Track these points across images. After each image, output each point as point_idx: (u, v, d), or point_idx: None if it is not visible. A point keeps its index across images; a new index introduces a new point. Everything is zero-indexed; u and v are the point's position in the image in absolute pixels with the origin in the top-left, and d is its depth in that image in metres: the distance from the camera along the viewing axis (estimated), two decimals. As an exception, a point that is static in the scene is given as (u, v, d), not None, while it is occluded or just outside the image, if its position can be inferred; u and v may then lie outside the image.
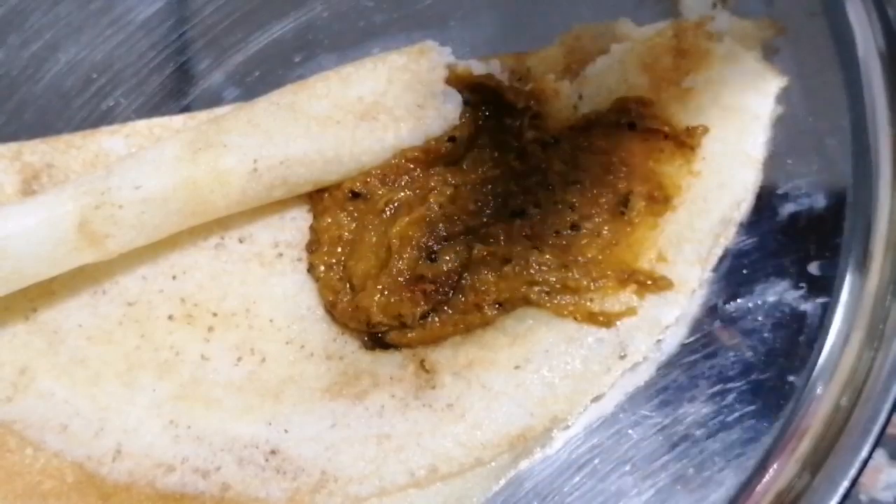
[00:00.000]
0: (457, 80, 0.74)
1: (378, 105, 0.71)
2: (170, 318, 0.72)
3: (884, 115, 0.76)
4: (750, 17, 0.79)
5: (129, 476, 0.68)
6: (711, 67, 0.76)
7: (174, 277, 0.73)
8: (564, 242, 0.72)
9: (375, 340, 0.71)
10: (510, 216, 0.72)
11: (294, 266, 0.73)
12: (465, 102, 0.73)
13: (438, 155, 0.72)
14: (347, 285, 0.70)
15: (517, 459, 0.69)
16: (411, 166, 0.72)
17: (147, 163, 0.68)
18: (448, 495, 0.68)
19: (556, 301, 0.71)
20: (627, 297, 0.71)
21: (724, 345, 0.72)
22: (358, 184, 0.72)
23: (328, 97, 0.71)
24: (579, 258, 0.72)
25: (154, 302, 0.72)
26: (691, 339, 0.72)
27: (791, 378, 0.71)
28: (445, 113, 0.71)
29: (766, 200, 0.75)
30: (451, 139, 0.72)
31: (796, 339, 0.71)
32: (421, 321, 0.70)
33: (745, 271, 0.73)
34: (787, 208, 0.75)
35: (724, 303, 0.73)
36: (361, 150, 0.70)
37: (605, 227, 0.73)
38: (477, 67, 0.75)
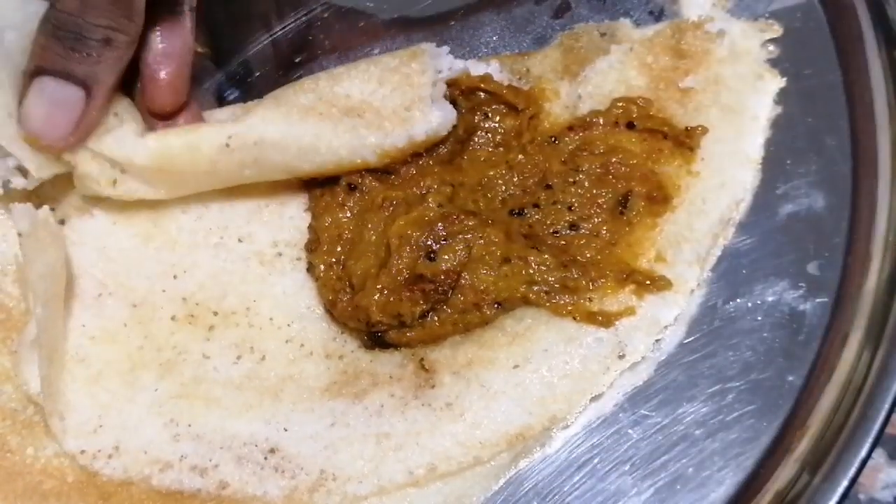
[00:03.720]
0: (455, 85, 0.74)
1: (365, 104, 0.71)
2: (172, 318, 0.72)
3: (884, 115, 0.76)
4: (749, 17, 0.79)
5: (125, 472, 0.68)
6: (710, 68, 0.77)
7: (175, 277, 0.73)
8: (563, 242, 0.72)
9: (375, 339, 0.71)
10: (509, 216, 0.72)
11: (294, 265, 0.73)
12: (460, 112, 0.73)
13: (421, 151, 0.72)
14: (347, 284, 0.71)
15: (516, 459, 0.69)
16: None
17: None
18: (447, 494, 0.68)
19: (555, 301, 0.71)
20: (626, 296, 0.71)
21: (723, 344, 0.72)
22: (355, 178, 0.72)
23: (315, 91, 0.71)
24: (578, 258, 0.72)
25: (158, 303, 0.72)
26: (690, 338, 0.72)
27: (790, 378, 0.70)
28: (431, 118, 0.70)
29: (764, 200, 0.75)
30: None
31: (795, 339, 0.71)
32: (420, 320, 0.70)
33: (744, 271, 0.73)
34: (786, 208, 0.74)
35: (724, 303, 0.73)
36: (340, 143, 0.70)
37: (604, 228, 0.73)
38: (476, 68, 0.75)
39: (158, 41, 0.68)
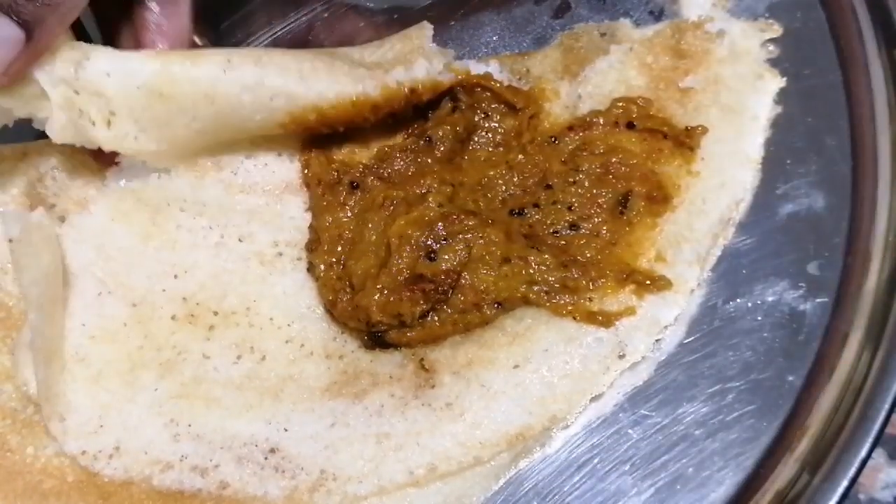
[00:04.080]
0: (455, 81, 0.74)
1: (367, 61, 0.72)
2: (173, 318, 0.72)
3: (884, 114, 0.76)
4: (749, 17, 0.79)
5: (125, 472, 0.68)
6: (710, 68, 0.77)
7: (175, 276, 0.73)
8: (563, 242, 0.72)
9: (375, 339, 0.71)
10: (509, 216, 0.73)
11: (294, 265, 0.73)
12: (457, 108, 0.74)
13: (392, 108, 0.72)
14: (347, 284, 0.71)
15: (516, 459, 0.70)
16: (397, 155, 0.73)
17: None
18: (447, 494, 0.68)
19: (555, 300, 0.71)
20: (626, 296, 0.71)
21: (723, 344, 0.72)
22: (358, 175, 0.72)
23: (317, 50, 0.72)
24: (578, 258, 0.72)
25: (157, 302, 0.72)
26: (690, 338, 0.72)
27: (790, 378, 0.70)
28: (434, 62, 0.71)
29: (764, 200, 0.75)
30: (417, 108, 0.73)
31: (795, 339, 0.71)
32: (420, 320, 0.70)
33: (744, 271, 0.73)
34: (786, 208, 0.75)
35: (724, 303, 0.73)
36: (342, 71, 0.69)
37: (604, 227, 0.73)
38: (476, 68, 0.75)
39: (154, 20, 0.69)
